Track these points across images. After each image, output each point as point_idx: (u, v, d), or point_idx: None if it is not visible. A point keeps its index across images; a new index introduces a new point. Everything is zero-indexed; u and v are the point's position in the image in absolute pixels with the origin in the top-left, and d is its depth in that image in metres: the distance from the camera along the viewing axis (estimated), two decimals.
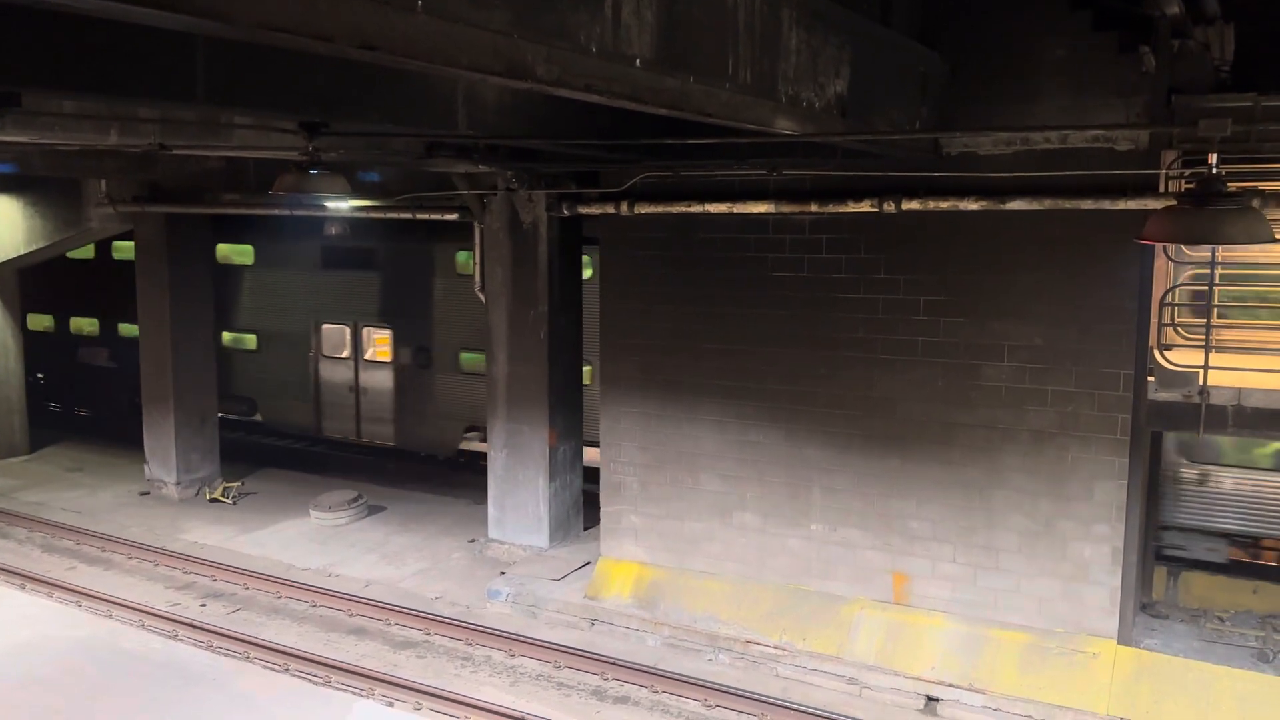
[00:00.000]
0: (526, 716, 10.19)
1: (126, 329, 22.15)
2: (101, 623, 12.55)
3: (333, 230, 19.56)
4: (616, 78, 4.78)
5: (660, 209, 11.94)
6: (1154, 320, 10.06)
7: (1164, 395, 10.02)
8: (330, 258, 19.93)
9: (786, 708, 10.36)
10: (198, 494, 17.85)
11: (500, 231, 14.18)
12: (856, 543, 11.49)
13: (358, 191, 14.99)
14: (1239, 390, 9.71)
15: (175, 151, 9.45)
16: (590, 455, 14.90)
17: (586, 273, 15.38)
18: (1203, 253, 10.09)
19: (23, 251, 19.15)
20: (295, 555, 14.93)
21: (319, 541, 15.57)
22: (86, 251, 22.39)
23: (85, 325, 23.70)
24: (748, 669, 11.38)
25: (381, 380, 19.80)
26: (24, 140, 8.78)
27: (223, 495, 17.64)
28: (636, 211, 12.09)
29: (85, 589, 13.53)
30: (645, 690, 10.92)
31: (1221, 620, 11.07)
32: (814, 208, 11.08)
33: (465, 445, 19.14)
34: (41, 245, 18.93)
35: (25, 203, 18.79)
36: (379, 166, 15.24)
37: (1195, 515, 11.42)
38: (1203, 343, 9.82)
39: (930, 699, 10.55)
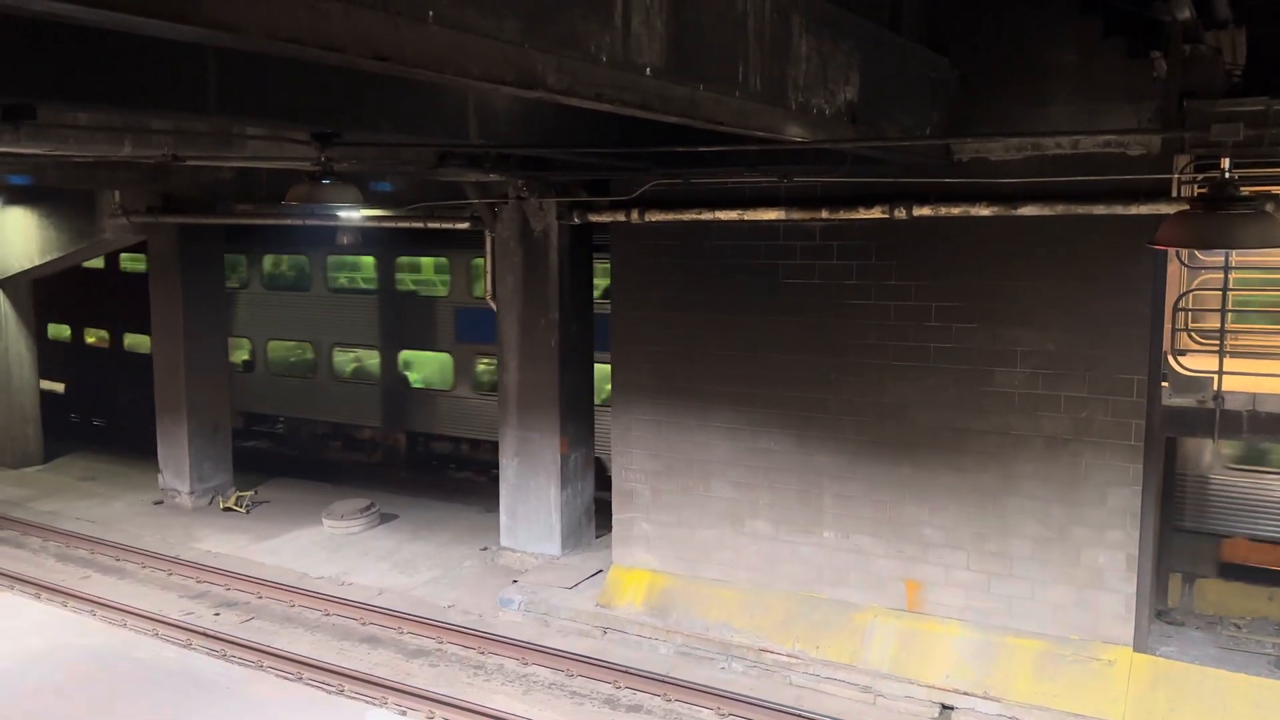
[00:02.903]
0: None
1: None
2: (115, 632, 12.59)
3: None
4: (627, 86, 4.78)
5: (671, 216, 11.95)
6: (1167, 325, 10.01)
7: (1178, 401, 9.96)
8: None
9: (800, 716, 10.32)
10: (211, 503, 17.90)
11: (511, 240, 14.21)
12: (869, 550, 11.45)
13: (369, 201, 15.06)
14: (1254, 395, 9.65)
15: (188, 162, 9.50)
16: None
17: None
18: (1216, 257, 10.04)
19: (37, 262, 19.30)
20: (308, 564, 14.95)
21: (331, 550, 15.59)
22: None
23: None
24: (761, 677, 11.34)
25: None
26: (39, 152, 8.85)
27: (236, 504, 17.69)
28: (647, 219, 12.10)
29: (99, 598, 13.57)
30: (658, 699, 10.90)
31: (1238, 627, 11.00)
32: (825, 214, 11.07)
33: None
34: (56, 256, 19.06)
35: (40, 214, 18.93)
36: (390, 176, 15.31)
37: None
38: (1217, 347, 9.76)
39: (945, 707, 10.50)
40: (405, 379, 19.74)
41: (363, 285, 20.08)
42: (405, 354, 19.63)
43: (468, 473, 19.77)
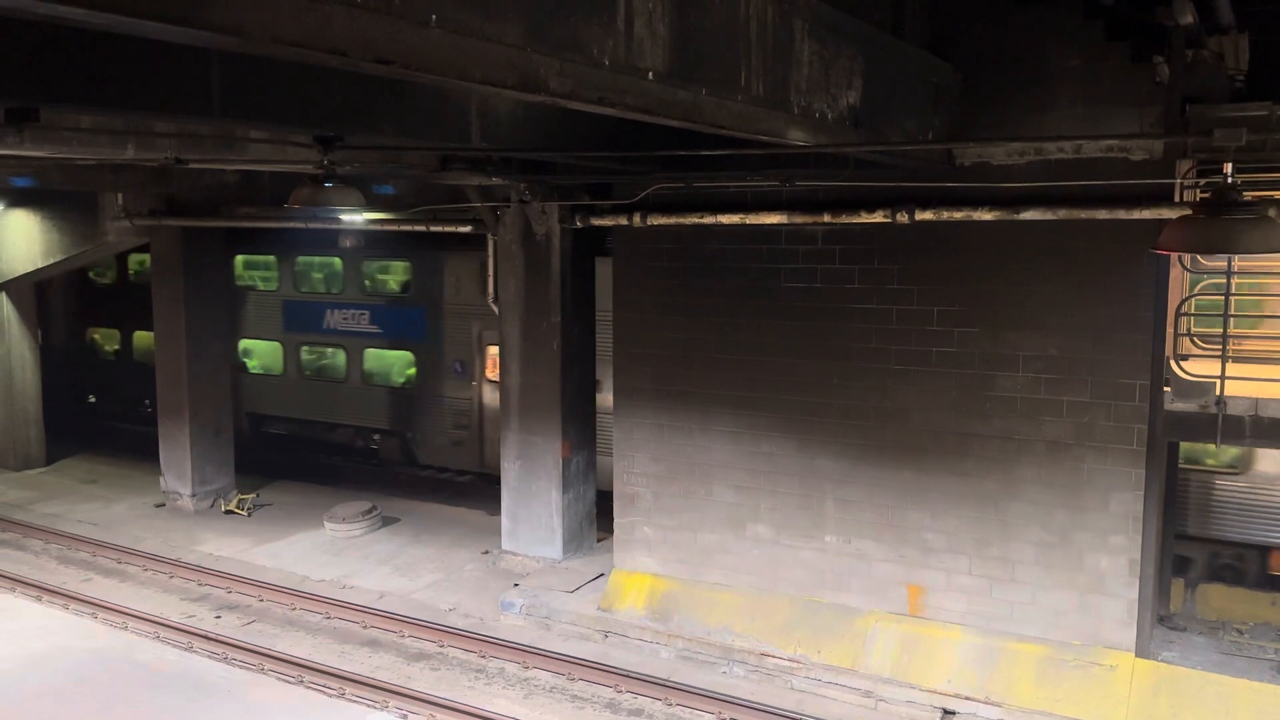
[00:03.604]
0: None
1: None
2: (116, 634, 12.59)
3: None
4: (629, 90, 4.79)
5: (673, 220, 11.96)
6: (1170, 330, 10.01)
7: (1180, 406, 9.96)
8: None
9: None
10: (213, 506, 17.90)
11: (513, 243, 14.22)
12: (871, 554, 11.44)
13: (372, 204, 15.08)
14: (1256, 400, 9.65)
15: (191, 165, 9.52)
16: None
17: None
18: (1219, 262, 10.04)
19: (40, 265, 19.31)
20: (310, 567, 14.96)
21: (333, 553, 15.59)
22: None
23: None
24: (762, 682, 11.33)
25: None
26: (42, 155, 8.85)
27: (238, 507, 17.70)
28: (649, 223, 12.11)
29: (101, 600, 13.57)
30: (659, 703, 10.89)
31: (1240, 632, 10.98)
32: (827, 218, 11.07)
33: None
34: (59, 259, 19.07)
35: (43, 217, 18.95)
36: (393, 179, 15.33)
37: None
38: (1219, 352, 9.76)
39: (946, 712, 10.48)
40: (245, 365, 21.04)
41: None
42: (245, 342, 20.92)
43: (322, 455, 20.87)
